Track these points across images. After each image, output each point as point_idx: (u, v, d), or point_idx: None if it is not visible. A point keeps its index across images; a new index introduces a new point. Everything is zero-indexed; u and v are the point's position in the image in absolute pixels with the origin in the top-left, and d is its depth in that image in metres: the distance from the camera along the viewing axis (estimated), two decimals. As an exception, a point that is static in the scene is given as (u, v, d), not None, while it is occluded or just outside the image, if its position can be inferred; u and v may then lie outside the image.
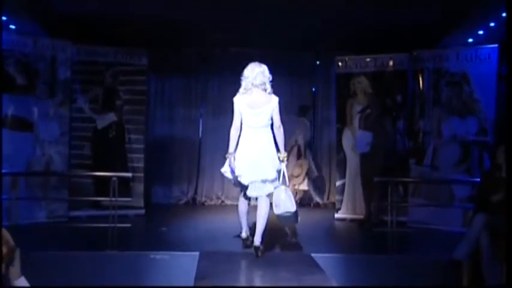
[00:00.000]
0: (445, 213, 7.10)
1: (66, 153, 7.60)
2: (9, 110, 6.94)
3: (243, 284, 4.14)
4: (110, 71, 8.09)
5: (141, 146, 8.23)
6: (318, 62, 9.78)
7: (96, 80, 8.02)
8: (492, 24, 6.98)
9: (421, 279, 5.12)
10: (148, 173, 8.69)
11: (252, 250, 5.10)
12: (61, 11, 7.05)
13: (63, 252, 5.34)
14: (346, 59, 8.28)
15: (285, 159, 5.24)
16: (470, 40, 7.61)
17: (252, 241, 5.18)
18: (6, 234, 2.30)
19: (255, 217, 5.24)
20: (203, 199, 9.58)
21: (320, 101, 9.77)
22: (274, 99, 5.19)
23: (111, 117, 8.10)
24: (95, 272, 5.13)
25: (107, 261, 5.24)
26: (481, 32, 7.32)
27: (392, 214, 5.78)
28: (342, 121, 8.26)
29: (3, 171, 5.67)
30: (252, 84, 5.25)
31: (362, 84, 8.14)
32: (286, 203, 5.14)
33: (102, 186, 7.23)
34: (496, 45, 7.00)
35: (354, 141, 8.11)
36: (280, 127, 5.20)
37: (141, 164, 8.17)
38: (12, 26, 7.27)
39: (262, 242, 5.09)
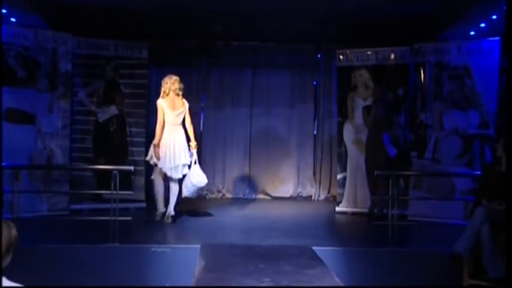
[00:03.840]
0: (446, 206, 7.09)
1: (68, 146, 7.60)
2: (11, 103, 6.94)
3: (243, 276, 4.14)
4: (111, 64, 8.08)
5: (142, 139, 8.22)
6: (319, 55, 9.76)
7: (97, 73, 8.01)
8: (494, 16, 6.95)
9: (422, 272, 5.13)
10: (150, 166, 8.68)
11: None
12: (61, 3, 7.04)
13: (64, 245, 5.35)
14: (347, 52, 8.27)
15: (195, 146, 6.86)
16: (472, 33, 7.58)
17: (165, 214, 6.77)
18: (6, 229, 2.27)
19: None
20: (204, 192, 9.57)
21: (321, 94, 9.75)
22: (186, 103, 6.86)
23: (112, 110, 8.10)
24: (96, 265, 5.14)
25: (108, 254, 5.25)
26: (483, 25, 7.30)
27: (393, 207, 5.78)
28: (343, 114, 8.26)
29: (5, 164, 5.69)
30: (170, 89, 6.76)
31: (363, 77, 8.13)
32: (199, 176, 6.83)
33: (103, 179, 7.26)
34: (498, 38, 6.97)
35: (355, 134, 8.11)
36: (191, 124, 6.89)
37: (142, 157, 8.14)
38: (13, 19, 7.27)
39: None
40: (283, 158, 9.74)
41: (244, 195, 9.64)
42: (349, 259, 5.32)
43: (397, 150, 7.41)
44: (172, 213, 6.79)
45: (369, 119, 7.55)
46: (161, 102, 6.71)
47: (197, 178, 6.83)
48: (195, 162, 6.86)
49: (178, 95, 6.80)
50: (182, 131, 6.83)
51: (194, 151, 6.86)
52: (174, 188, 6.90)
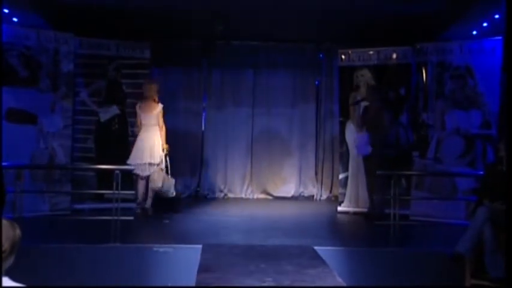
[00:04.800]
0: (448, 206, 7.08)
1: (69, 146, 7.61)
2: (13, 103, 6.94)
3: (245, 276, 4.14)
4: (113, 64, 8.09)
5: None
6: (320, 55, 9.76)
7: (99, 73, 8.03)
8: (496, 16, 6.93)
9: (424, 272, 5.12)
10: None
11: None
12: (63, 3, 7.05)
13: (66, 245, 5.35)
14: (349, 51, 8.26)
15: (166, 149, 7.27)
16: (475, 32, 7.56)
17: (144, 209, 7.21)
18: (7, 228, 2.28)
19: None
20: (206, 192, 9.59)
21: (323, 94, 9.75)
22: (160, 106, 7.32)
23: (114, 110, 8.11)
24: (98, 264, 5.14)
25: (110, 254, 5.25)
26: (485, 24, 7.28)
27: (395, 207, 5.77)
28: (345, 114, 8.24)
29: (7, 164, 5.69)
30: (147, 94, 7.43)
31: (365, 77, 8.12)
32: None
33: (105, 179, 7.26)
34: (500, 37, 6.94)
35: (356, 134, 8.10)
36: (162, 127, 7.31)
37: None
38: (15, 19, 7.27)
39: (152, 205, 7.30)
40: (284, 157, 9.74)
41: (245, 195, 9.64)
42: (351, 259, 5.31)
43: (372, 149, 7.40)
44: (147, 205, 7.26)
45: (357, 118, 7.61)
46: (137, 107, 7.40)
47: (166, 187, 7.31)
48: (162, 169, 7.25)
49: (154, 100, 7.37)
50: (157, 132, 7.30)
51: (162, 154, 7.27)
52: (149, 184, 7.31)
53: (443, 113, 7.44)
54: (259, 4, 7.14)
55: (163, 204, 7.43)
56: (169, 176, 7.44)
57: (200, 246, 5.16)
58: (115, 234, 5.43)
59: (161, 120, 7.33)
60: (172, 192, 7.46)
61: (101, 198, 7.31)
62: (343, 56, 8.29)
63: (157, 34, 8.55)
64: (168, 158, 7.37)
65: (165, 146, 7.31)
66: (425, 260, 5.22)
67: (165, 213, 7.31)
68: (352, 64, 8.23)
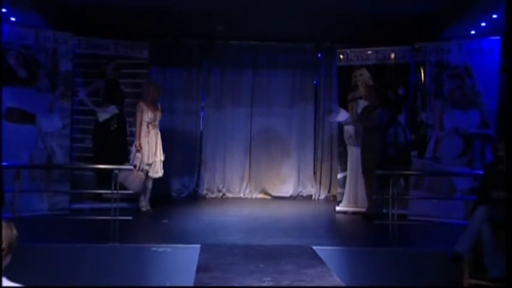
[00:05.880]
0: (447, 205, 7.09)
1: (68, 145, 7.60)
2: (11, 103, 6.94)
3: (244, 276, 4.14)
4: (112, 64, 8.08)
5: (143, 139, 8.21)
6: (319, 55, 9.76)
7: (98, 73, 8.01)
8: (495, 16, 6.94)
9: (423, 272, 5.13)
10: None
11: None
12: (62, 2, 7.05)
13: (65, 245, 5.35)
14: (348, 51, 8.26)
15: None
16: (473, 32, 7.57)
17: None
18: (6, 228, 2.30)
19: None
20: (204, 192, 9.59)
21: (321, 94, 9.75)
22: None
23: (113, 110, 8.10)
24: (96, 264, 5.14)
25: (109, 253, 5.25)
26: (483, 24, 7.29)
27: (393, 207, 5.77)
28: (344, 114, 8.25)
29: (6, 163, 5.69)
30: None
31: (363, 76, 8.13)
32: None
33: (103, 179, 7.25)
34: (499, 37, 6.96)
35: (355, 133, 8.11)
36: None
37: (142, 157, 8.16)
38: (13, 18, 7.26)
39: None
40: (283, 157, 9.74)
41: (244, 194, 9.64)
42: (349, 259, 5.32)
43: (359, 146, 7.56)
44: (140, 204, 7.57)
45: (355, 115, 7.72)
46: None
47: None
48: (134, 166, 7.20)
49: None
50: None
51: (133, 151, 7.45)
52: None
53: (442, 113, 7.45)
54: (259, 4, 7.14)
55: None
56: (138, 173, 7.27)
57: (199, 246, 5.16)
58: (114, 234, 5.44)
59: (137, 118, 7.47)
60: (133, 187, 7.19)
61: (99, 198, 7.31)
62: (341, 56, 8.29)
63: (156, 34, 8.55)
64: (139, 155, 7.34)
65: (137, 142, 7.39)
66: (423, 259, 5.23)
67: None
68: (350, 64, 8.23)
